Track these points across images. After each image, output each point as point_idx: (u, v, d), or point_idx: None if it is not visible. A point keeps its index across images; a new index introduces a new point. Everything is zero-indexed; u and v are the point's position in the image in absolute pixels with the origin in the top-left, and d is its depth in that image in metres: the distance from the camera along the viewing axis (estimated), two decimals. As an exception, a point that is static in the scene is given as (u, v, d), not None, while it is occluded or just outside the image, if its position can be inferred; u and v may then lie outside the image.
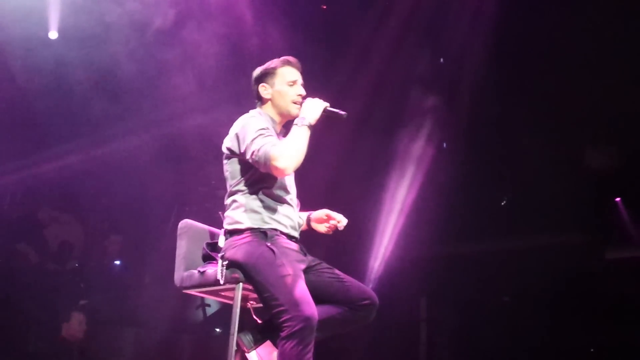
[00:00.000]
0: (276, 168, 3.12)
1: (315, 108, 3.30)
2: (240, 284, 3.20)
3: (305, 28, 7.02)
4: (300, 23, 6.96)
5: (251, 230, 3.25)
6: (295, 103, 3.40)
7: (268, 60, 3.50)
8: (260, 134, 3.20)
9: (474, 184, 7.96)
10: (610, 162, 7.84)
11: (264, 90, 3.45)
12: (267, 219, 3.27)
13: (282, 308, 3.02)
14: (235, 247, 3.23)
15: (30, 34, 6.36)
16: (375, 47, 7.45)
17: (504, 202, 8.52)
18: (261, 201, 3.29)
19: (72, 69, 6.64)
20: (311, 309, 3.02)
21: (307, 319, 2.98)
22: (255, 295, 3.25)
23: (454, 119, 7.83)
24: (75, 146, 7.22)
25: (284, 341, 2.99)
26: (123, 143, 7.35)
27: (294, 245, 3.33)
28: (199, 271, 3.35)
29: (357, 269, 7.65)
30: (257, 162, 3.17)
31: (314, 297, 3.10)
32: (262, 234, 3.24)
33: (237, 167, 3.33)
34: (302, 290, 3.07)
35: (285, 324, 3.00)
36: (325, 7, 7.47)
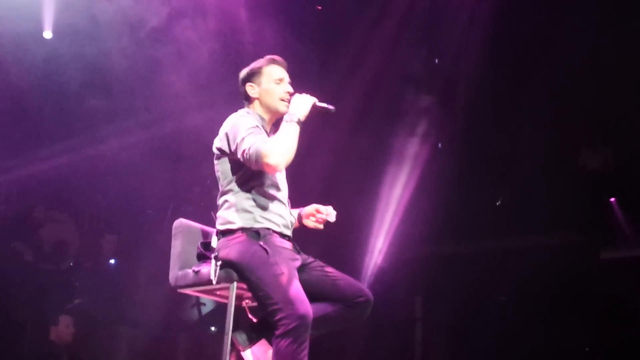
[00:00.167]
0: (268, 165, 3.11)
1: (303, 104, 3.29)
2: (235, 283, 3.20)
3: (300, 27, 7.01)
4: (296, 22, 6.95)
5: (243, 230, 3.25)
6: (283, 100, 3.39)
7: (263, 59, 3.50)
8: (251, 132, 3.19)
9: (469, 183, 7.96)
10: (605, 162, 7.86)
11: (251, 89, 3.44)
12: (259, 218, 3.27)
13: (276, 307, 3.01)
14: (228, 247, 3.23)
15: (23, 31, 6.33)
16: (370, 47, 7.44)
17: (499, 201, 8.53)
18: (253, 200, 3.28)
19: (64, 66, 6.61)
20: (305, 307, 3.02)
21: (302, 317, 2.98)
22: (250, 294, 3.25)
23: (450, 118, 7.83)
24: (71, 145, 7.20)
25: (278, 339, 2.99)
26: (118, 142, 7.33)
27: (287, 244, 3.33)
28: (193, 270, 3.34)
29: (352, 267, 7.65)
30: (248, 160, 3.16)
31: (309, 295, 3.10)
32: (254, 234, 3.23)
33: (228, 166, 3.32)
34: (296, 288, 3.07)
35: (280, 323, 2.99)
36: (320, 7, 7.45)
